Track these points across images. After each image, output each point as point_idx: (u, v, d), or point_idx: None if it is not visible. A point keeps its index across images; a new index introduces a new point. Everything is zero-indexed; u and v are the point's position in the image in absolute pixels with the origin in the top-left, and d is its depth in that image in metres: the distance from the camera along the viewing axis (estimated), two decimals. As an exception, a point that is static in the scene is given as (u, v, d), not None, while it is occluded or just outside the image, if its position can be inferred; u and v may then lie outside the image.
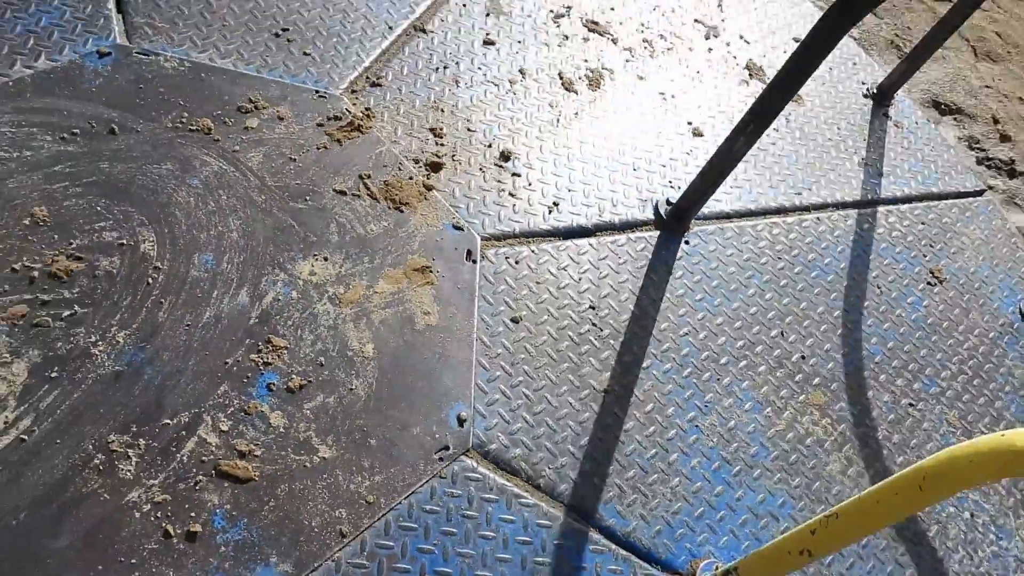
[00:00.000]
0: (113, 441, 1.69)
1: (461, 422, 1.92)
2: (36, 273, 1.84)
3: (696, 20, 3.14)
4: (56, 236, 1.90)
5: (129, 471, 1.67)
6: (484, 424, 1.94)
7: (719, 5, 3.24)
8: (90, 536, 1.58)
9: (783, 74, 2.03)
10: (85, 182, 2.00)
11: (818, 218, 2.71)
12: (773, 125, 2.85)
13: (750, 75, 3.04)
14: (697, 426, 2.12)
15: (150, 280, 1.91)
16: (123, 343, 1.81)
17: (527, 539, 1.82)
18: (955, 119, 3.24)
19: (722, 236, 2.53)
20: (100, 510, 1.62)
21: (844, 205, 2.78)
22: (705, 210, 2.54)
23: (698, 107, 2.85)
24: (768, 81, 3.02)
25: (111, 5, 2.35)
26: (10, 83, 2.09)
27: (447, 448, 1.88)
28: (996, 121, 3.21)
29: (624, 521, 1.91)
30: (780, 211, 2.69)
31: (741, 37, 3.16)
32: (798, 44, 1.97)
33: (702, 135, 2.77)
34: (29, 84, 2.11)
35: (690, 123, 2.80)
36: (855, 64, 3.29)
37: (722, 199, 2.62)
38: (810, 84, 3.09)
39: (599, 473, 1.96)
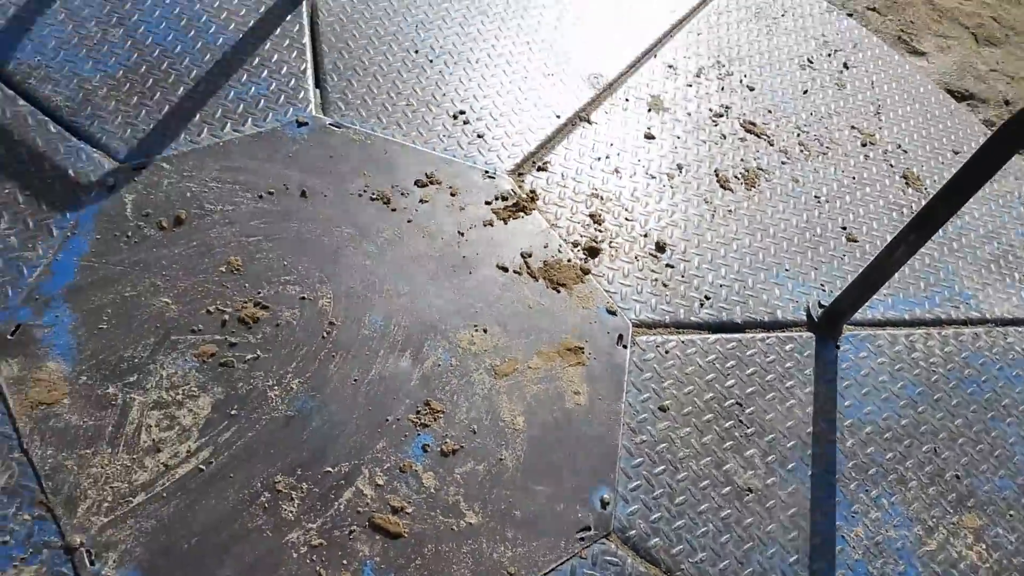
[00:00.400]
0: (279, 482, 1.80)
1: (604, 504, 1.95)
2: (227, 317, 2.00)
3: (853, 127, 3.16)
4: (247, 285, 2.07)
5: (291, 512, 1.77)
6: (626, 509, 1.96)
7: (877, 113, 3.24)
8: (251, 570, 1.68)
9: (948, 189, 2.02)
10: (276, 238, 2.17)
11: (976, 333, 2.64)
12: (933, 237, 2.81)
13: (907, 184, 3.02)
14: (843, 536, 2.07)
15: (325, 334, 2.04)
16: (296, 390, 1.93)
17: (662, 630, 1.81)
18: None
19: (874, 343, 2.49)
20: (262, 546, 1.71)
21: (1005, 322, 2.70)
22: (857, 315, 2.52)
23: (852, 212, 2.84)
24: (926, 191, 3.00)
25: (311, 81, 2.57)
26: (220, 144, 2.31)
27: (589, 529, 1.90)
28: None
29: (760, 625, 1.88)
30: (936, 323, 2.63)
31: (899, 146, 3.15)
32: (966, 161, 1.97)
33: (856, 241, 2.76)
34: (236, 146, 2.33)
35: (844, 228, 2.79)
36: (1017, 179, 3.21)
37: (876, 305, 2.59)
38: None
39: (738, 572, 1.93)
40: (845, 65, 3.40)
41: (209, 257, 2.09)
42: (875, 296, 2.60)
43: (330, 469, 1.84)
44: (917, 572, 2.06)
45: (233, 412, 1.87)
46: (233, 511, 1.74)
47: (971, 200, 2.98)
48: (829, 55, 3.41)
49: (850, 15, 3.70)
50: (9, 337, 1.87)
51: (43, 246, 2.03)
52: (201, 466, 1.78)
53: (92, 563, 1.63)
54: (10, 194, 2.08)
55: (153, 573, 1.64)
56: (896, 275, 2.69)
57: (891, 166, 3.07)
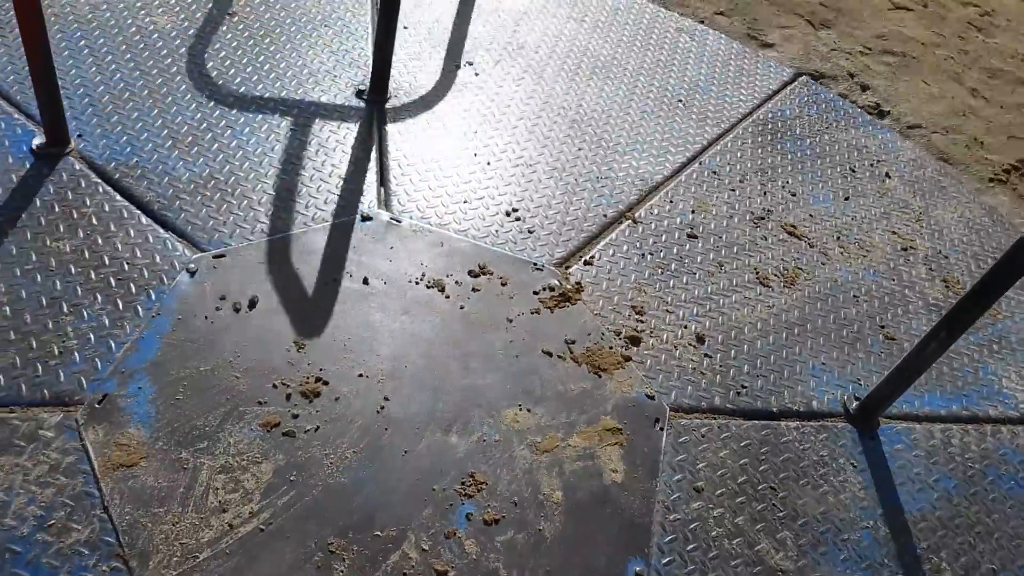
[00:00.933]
0: (332, 543, 1.93)
1: (637, 578, 2.03)
2: (291, 391, 2.18)
3: (894, 232, 3.28)
4: (310, 362, 2.25)
5: (342, 571, 1.90)
6: (659, 583, 2.03)
7: (918, 220, 3.37)
8: (303, 623, 1.80)
9: (977, 290, 2.13)
10: (336, 322, 2.37)
11: (1015, 431, 2.67)
12: (974, 331, 2.89)
13: (947, 287, 3.11)
14: (874, 622, 2.10)
15: (379, 409, 2.20)
16: (350, 459, 2.09)
17: None
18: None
19: (909, 436, 2.55)
20: (314, 602, 1.84)
21: (1044, 422, 2.73)
22: (894, 410, 2.59)
23: (891, 312, 2.93)
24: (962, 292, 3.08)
25: (374, 179, 2.81)
26: (292, 235, 2.55)
27: (622, 600, 1.98)
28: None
29: None
30: (973, 420, 2.68)
31: (939, 252, 3.25)
32: (995, 262, 2.08)
33: (894, 339, 2.85)
34: (306, 238, 2.56)
35: (883, 326, 2.88)
36: (1061, 285, 3.28)
37: (912, 401, 2.65)
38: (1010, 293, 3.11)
39: (769, 651, 1.98)
40: (887, 175, 3.55)
41: (277, 337, 2.29)
42: (912, 392, 2.68)
43: (379, 533, 1.97)
44: (952, 661, 2.07)
45: (292, 478, 2.02)
46: (289, 569, 1.87)
47: (1012, 303, 3.06)
48: (871, 164, 3.56)
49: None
50: (96, 406, 2.07)
51: (130, 325, 2.25)
52: (261, 526, 1.93)
53: (159, 611, 1.77)
54: (104, 278, 2.32)
55: (213, 622, 1.77)
56: (934, 372, 2.77)
57: (931, 270, 3.17)
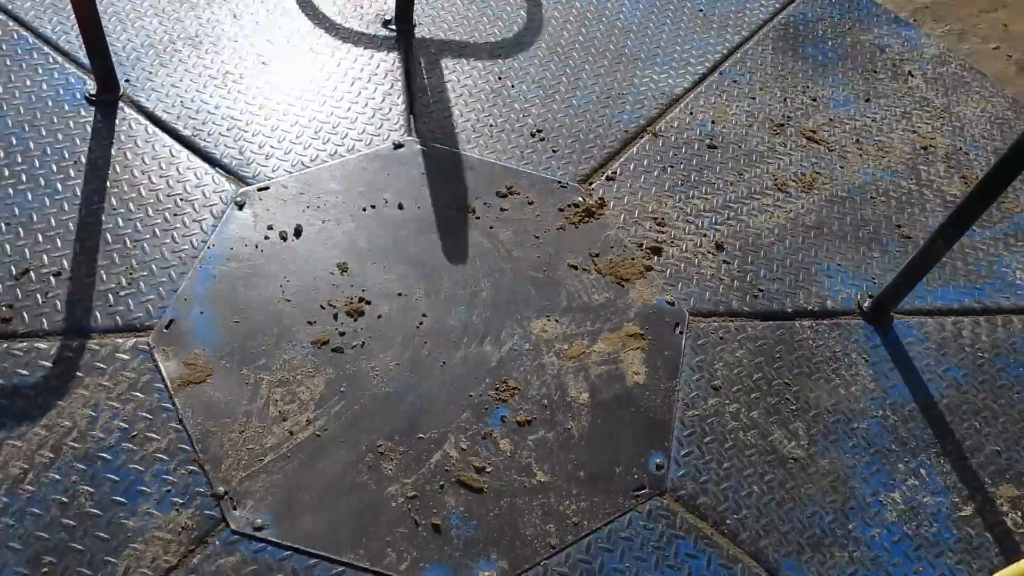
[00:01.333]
0: (380, 445, 2.16)
1: (659, 468, 2.23)
2: (337, 311, 2.38)
3: (914, 131, 3.33)
4: (353, 284, 2.45)
5: (390, 470, 2.13)
6: (678, 472, 2.24)
7: (939, 117, 3.40)
8: (358, 514, 2.04)
9: (983, 184, 2.22)
10: (376, 244, 2.55)
11: (1026, 322, 2.79)
12: (990, 225, 2.98)
13: (965, 184, 3.18)
14: (880, 501, 2.28)
15: (418, 324, 2.40)
16: (394, 371, 2.30)
17: None
18: None
19: (921, 330, 2.68)
20: (367, 497, 2.07)
21: (1057, 312, 2.84)
22: (907, 305, 2.71)
23: (907, 211, 3.02)
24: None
25: (405, 109, 2.95)
26: (330, 166, 2.72)
27: (644, 488, 2.19)
28: None
29: (801, 574, 2.12)
30: (985, 311, 2.79)
31: (959, 149, 3.30)
32: (999, 155, 2.17)
33: (910, 237, 2.95)
34: (343, 168, 2.73)
35: (899, 226, 2.98)
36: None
37: (925, 296, 2.77)
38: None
39: (779, 529, 2.18)
40: (910, 73, 3.57)
41: (321, 261, 2.49)
42: (926, 288, 2.80)
43: (422, 436, 2.19)
44: (951, 534, 2.26)
45: (342, 389, 2.24)
46: (343, 469, 2.11)
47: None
48: (894, 64, 3.59)
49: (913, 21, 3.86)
50: (164, 330, 2.30)
51: (188, 256, 2.46)
52: (317, 432, 2.16)
53: (234, 508, 2.02)
54: (160, 214, 2.52)
55: (281, 516, 2.02)
56: (948, 268, 2.88)
57: (950, 168, 3.23)
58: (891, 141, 3.26)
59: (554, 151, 2.94)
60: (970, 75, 3.63)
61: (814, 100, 3.34)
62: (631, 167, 2.95)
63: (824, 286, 2.74)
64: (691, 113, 3.18)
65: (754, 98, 3.29)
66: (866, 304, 2.70)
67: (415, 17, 3.25)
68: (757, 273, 2.73)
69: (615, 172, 2.92)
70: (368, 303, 2.42)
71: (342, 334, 2.34)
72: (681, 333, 2.52)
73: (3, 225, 2.42)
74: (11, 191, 2.50)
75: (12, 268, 2.34)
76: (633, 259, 2.68)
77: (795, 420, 2.40)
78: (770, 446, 2.33)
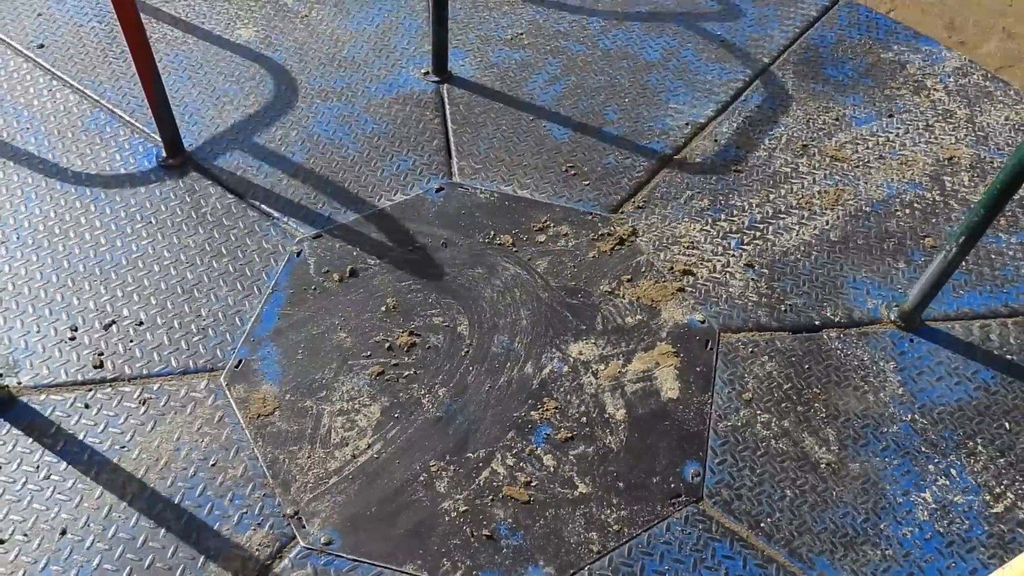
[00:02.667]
0: (433, 465, 2.35)
1: (694, 476, 2.37)
2: (389, 344, 2.59)
3: (937, 143, 3.43)
4: (402, 319, 2.66)
5: (443, 487, 2.31)
6: (713, 480, 2.37)
7: (962, 128, 3.50)
8: (416, 528, 2.23)
9: (990, 196, 2.34)
10: (422, 281, 2.76)
11: (1055, 323, 2.86)
12: (1017, 230, 3.07)
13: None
14: (911, 500, 2.38)
15: (463, 353, 2.59)
16: (443, 396, 2.49)
17: None
18: None
19: (948, 335, 2.78)
20: (423, 512, 2.26)
21: (1086, 311, 2.90)
22: (934, 312, 2.81)
23: (932, 221, 3.12)
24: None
25: (444, 153, 3.18)
26: (377, 211, 2.95)
27: (681, 495, 2.33)
28: None
29: (836, 573, 2.23)
30: (1014, 314, 2.87)
31: (983, 158, 3.39)
32: (1004, 167, 2.28)
33: (935, 247, 3.05)
34: (389, 212, 2.96)
35: (924, 236, 3.08)
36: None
37: (952, 303, 2.87)
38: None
39: (812, 530, 2.30)
40: (931, 87, 3.67)
41: (374, 300, 2.70)
42: (952, 295, 2.90)
43: (471, 455, 2.37)
44: (983, 530, 2.34)
45: (396, 415, 2.44)
46: (400, 487, 2.30)
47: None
48: (915, 78, 3.70)
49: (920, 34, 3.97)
50: (235, 369, 2.53)
51: (253, 301, 2.70)
52: (375, 455, 2.36)
53: (303, 526, 2.22)
54: (226, 264, 2.77)
55: (345, 532, 2.21)
56: (974, 274, 2.97)
57: (974, 177, 3.32)
58: (914, 154, 3.37)
59: (586, 184, 3.12)
60: (993, 84, 3.72)
61: (836, 120, 3.47)
62: (659, 195, 3.11)
63: (851, 298, 2.86)
64: (716, 140, 3.34)
65: (777, 121, 3.44)
66: (893, 313, 2.81)
67: (450, 68, 3.48)
68: (785, 288, 2.86)
69: (645, 200, 3.09)
70: (418, 335, 2.62)
71: (395, 365, 2.55)
72: (712, 349, 2.67)
73: (90, 282, 2.69)
74: (93, 252, 2.77)
75: (99, 320, 2.60)
76: (664, 281, 2.83)
77: (825, 427, 2.52)
78: (801, 452, 2.46)
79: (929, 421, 2.57)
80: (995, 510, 2.39)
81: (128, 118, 3.20)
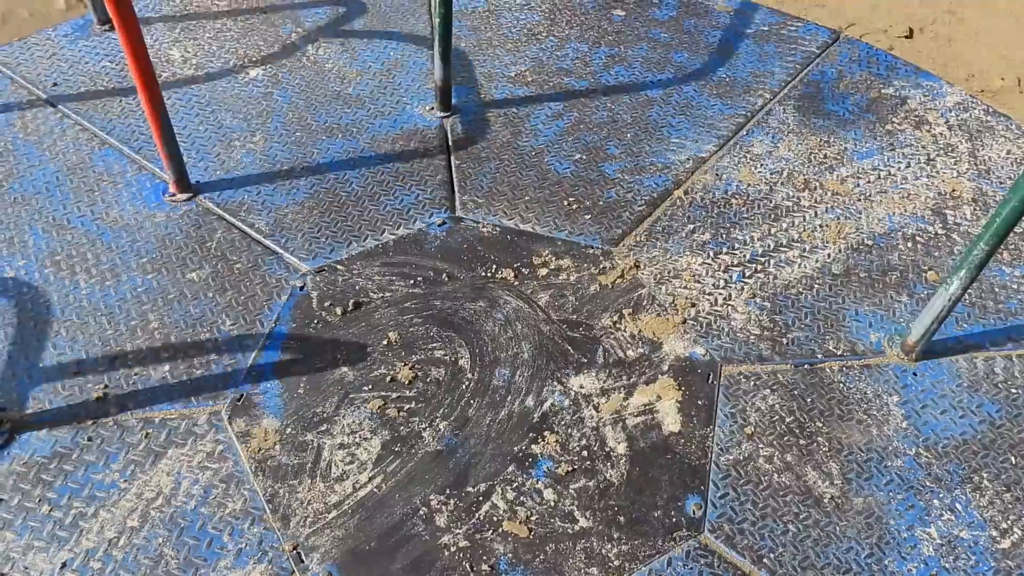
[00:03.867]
0: (433, 499, 2.34)
1: (695, 511, 2.36)
2: (389, 378, 2.60)
3: (938, 177, 3.44)
4: (403, 352, 2.67)
5: (443, 521, 2.30)
6: (715, 514, 2.36)
7: (964, 162, 3.51)
8: (415, 563, 2.21)
9: (991, 229, 2.34)
10: (424, 315, 2.77)
11: (1060, 356, 2.84)
12: (1020, 264, 3.06)
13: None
14: (915, 536, 2.36)
15: (464, 386, 2.60)
16: (443, 430, 2.49)
17: (746, 611, 2.18)
18: None
19: (952, 369, 2.77)
20: (423, 547, 2.25)
21: (1092, 344, 2.88)
22: (937, 345, 2.80)
23: (934, 254, 3.12)
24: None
25: (447, 188, 3.20)
26: (380, 245, 2.97)
27: (682, 530, 2.31)
28: None
29: (838, 610, 2.21)
30: (1018, 347, 2.86)
31: (984, 192, 3.39)
32: (1005, 200, 2.29)
33: (937, 280, 3.04)
34: (392, 246, 2.98)
35: (927, 269, 3.08)
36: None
37: (955, 336, 2.86)
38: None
39: (815, 566, 2.27)
40: (932, 121, 3.69)
41: (375, 333, 2.71)
42: (956, 327, 2.89)
43: (471, 489, 2.37)
44: (990, 566, 2.31)
45: (397, 448, 2.44)
46: (400, 522, 2.29)
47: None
48: (916, 113, 3.72)
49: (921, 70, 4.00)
50: (237, 403, 2.54)
51: (256, 335, 2.71)
52: (375, 489, 2.35)
53: (302, 561, 2.22)
54: (230, 298, 2.79)
55: (345, 567, 2.20)
56: (978, 308, 2.96)
57: (976, 211, 3.33)
58: (916, 188, 3.38)
59: (588, 218, 3.14)
60: (994, 119, 3.74)
61: (838, 154, 3.49)
62: (661, 228, 3.13)
63: (853, 331, 2.85)
64: (717, 174, 3.36)
65: (778, 156, 3.46)
66: (895, 346, 2.80)
67: (454, 104, 3.53)
68: (787, 322, 2.86)
69: (647, 233, 3.10)
70: (419, 368, 2.63)
71: (396, 398, 2.55)
72: (714, 383, 2.66)
73: (95, 316, 2.72)
74: (99, 286, 2.80)
75: (103, 354, 2.62)
76: (666, 315, 2.84)
77: (829, 461, 2.50)
78: (804, 487, 2.44)
79: (934, 455, 2.55)
80: (1002, 546, 2.36)
81: (136, 155, 3.24)
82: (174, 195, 3.08)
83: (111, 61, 3.65)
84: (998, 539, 2.37)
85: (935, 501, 2.44)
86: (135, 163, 3.22)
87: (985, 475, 2.51)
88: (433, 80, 3.49)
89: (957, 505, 2.43)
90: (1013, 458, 2.56)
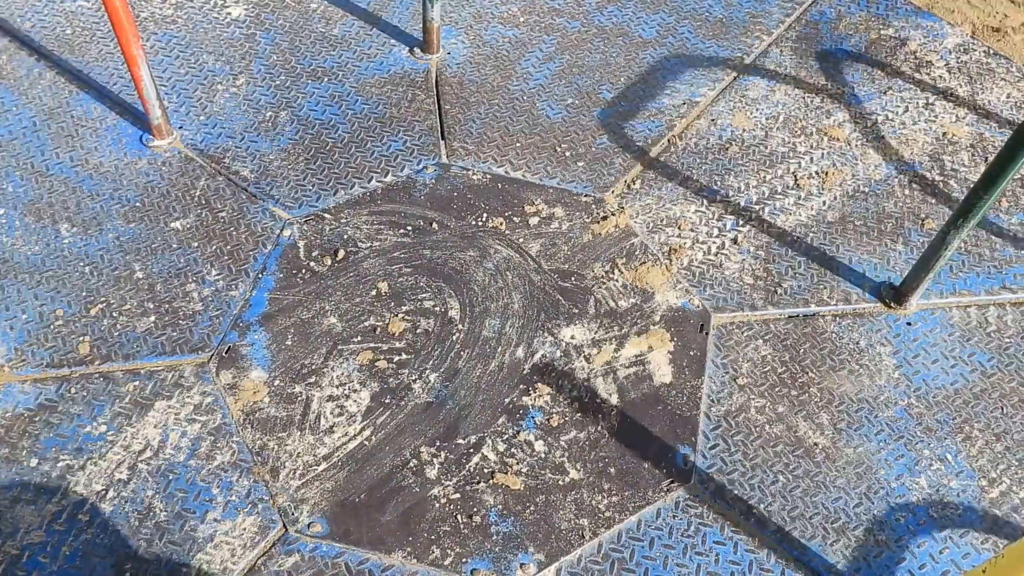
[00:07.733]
0: (423, 451, 2.33)
1: (686, 461, 2.35)
2: (378, 330, 2.56)
3: (937, 121, 3.38)
4: (392, 303, 2.63)
5: (433, 473, 2.29)
6: (705, 464, 2.35)
7: (963, 106, 3.44)
8: (405, 515, 2.21)
9: (990, 175, 2.30)
10: (413, 264, 2.73)
11: (1054, 305, 2.82)
12: (1017, 211, 3.03)
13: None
14: (905, 486, 2.36)
15: (454, 337, 2.57)
16: (433, 381, 2.47)
17: (736, 561, 2.19)
18: None
19: (946, 318, 2.75)
20: (413, 499, 2.24)
21: (1086, 293, 2.86)
22: (932, 294, 2.78)
23: (931, 202, 3.08)
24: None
25: (436, 134, 3.13)
26: (368, 193, 2.91)
27: (672, 481, 2.31)
28: None
29: (826, 560, 2.22)
30: (1012, 296, 2.83)
31: (983, 136, 3.34)
32: (1004, 145, 2.24)
33: (934, 228, 3.00)
34: (380, 194, 2.92)
35: (923, 217, 3.04)
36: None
37: (950, 284, 2.83)
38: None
39: (806, 516, 2.28)
40: (931, 63, 3.62)
41: (364, 283, 2.67)
42: (951, 276, 2.86)
43: (462, 440, 2.35)
44: (977, 515, 2.33)
45: (386, 400, 2.42)
46: (390, 474, 2.28)
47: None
48: (915, 55, 3.64)
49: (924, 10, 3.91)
50: (223, 355, 2.50)
51: (242, 286, 2.67)
52: (365, 442, 2.34)
53: (291, 513, 2.21)
54: (216, 248, 2.74)
55: (334, 520, 2.20)
56: (974, 255, 2.93)
57: (974, 156, 3.28)
58: (913, 133, 3.32)
59: (580, 165, 3.08)
60: (995, 61, 3.66)
61: (834, 97, 3.42)
62: (654, 175, 3.07)
63: (848, 280, 2.82)
64: (712, 119, 3.29)
65: (774, 100, 3.39)
66: (889, 296, 2.77)
67: (441, 44, 3.43)
68: (780, 271, 2.82)
69: (639, 180, 3.05)
70: (407, 320, 2.59)
71: (383, 351, 2.52)
72: (706, 333, 2.64)
73: (78, 266, 2.67)
74: (81, 236, 2.74)
75: (87, 305, 2.58)
76: (658, 264, 2.80)
77: (820, 412, 2.50)
78: (796, 438, 2.43)
79: (925, 405, 2.54)
80: (991, 495, 2.37)
81: (116, 99, 3.15)
82: (155, 141, 3.00)
83: (87, 1, 3.53)
84: (987, 488, 2.38)
85: (925, 451, 2.44)
86: (115, 108, 3.13)
87: (976, 425, 2.51)
88: (421, 20, 3.39)
89: (947, 455, 2.44)
90: (1004, 407, 2.56)
